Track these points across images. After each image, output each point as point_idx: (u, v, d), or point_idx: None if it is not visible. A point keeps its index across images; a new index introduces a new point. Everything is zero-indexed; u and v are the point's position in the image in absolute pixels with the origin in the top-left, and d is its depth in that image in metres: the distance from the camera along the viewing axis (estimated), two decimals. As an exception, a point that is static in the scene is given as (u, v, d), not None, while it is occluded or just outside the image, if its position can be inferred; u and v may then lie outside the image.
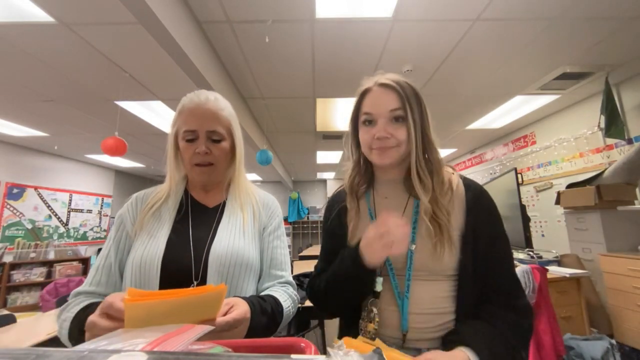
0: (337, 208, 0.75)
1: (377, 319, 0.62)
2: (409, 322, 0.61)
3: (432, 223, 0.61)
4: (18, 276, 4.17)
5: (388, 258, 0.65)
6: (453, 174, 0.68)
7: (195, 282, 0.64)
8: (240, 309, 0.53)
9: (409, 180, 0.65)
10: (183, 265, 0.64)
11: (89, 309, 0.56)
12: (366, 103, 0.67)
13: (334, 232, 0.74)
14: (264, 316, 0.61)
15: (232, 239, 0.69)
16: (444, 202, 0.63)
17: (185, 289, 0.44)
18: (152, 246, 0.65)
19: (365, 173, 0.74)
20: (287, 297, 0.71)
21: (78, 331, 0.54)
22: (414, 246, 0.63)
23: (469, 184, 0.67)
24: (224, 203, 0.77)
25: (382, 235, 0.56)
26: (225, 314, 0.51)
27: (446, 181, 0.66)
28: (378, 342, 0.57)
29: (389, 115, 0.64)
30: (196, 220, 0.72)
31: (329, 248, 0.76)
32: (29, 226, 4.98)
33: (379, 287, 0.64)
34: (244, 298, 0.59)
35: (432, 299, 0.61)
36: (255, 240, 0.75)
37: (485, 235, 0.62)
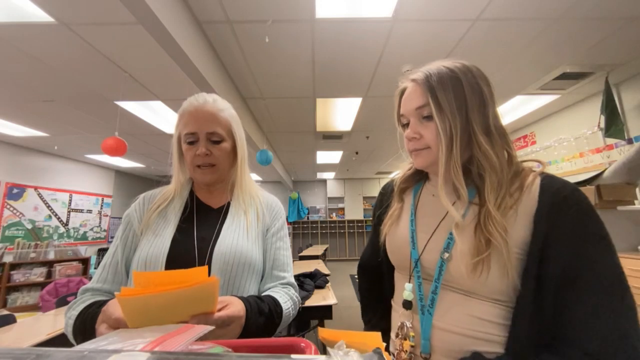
0: (386, 202, 0.73)
1: (412, 334, 0.53)
2: (432, 340, 0.51)
3: (478, 237, 0.48)
4: (18, 276, 4.17)
5: (418, 261, 0.56)
6: (533, 171, 0.52)
7: None
8: (235, 307, 0.54)
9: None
10: (187, 264, 0.65)
11: (91, 307, 0.59)
12: (402, 103, 0.60)
13: (376, 225, 0.76)
14: (261, 316, 0.61)
15: (236, 239, 0.70)
16: (503, 210, 0.48)
17: (179, 284, 0.43)
18: (158, 244, 0.66)
19: (420, 172, 0.68)
20: (287, 299, 0.72)
21: (82, 329, 0.56)
22: (446, 255, 0.52)
23: (548, 185, 0.49)
24: (229, 204, 0.78)
25: None
26: (219, 311, 0.52)
27: (518, 180, 0.52)
28: None
29: (416, 114, 0.56)
30: (201, 220, 0.73)
31: (372, 236, 0.79)
32: (29, 226, 4.98)
33: (408, 295, 0.55)
34: (241, 298, 0.60)
35: (467, 317, 0.49)
36: (259, 241, 0.75)
37: (560, 259, 0.44)
